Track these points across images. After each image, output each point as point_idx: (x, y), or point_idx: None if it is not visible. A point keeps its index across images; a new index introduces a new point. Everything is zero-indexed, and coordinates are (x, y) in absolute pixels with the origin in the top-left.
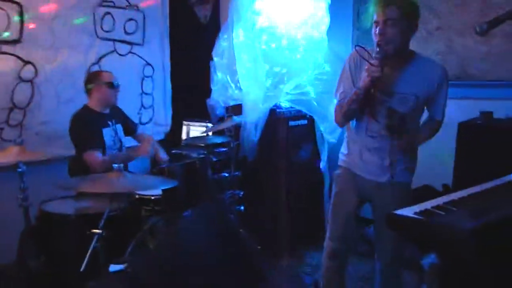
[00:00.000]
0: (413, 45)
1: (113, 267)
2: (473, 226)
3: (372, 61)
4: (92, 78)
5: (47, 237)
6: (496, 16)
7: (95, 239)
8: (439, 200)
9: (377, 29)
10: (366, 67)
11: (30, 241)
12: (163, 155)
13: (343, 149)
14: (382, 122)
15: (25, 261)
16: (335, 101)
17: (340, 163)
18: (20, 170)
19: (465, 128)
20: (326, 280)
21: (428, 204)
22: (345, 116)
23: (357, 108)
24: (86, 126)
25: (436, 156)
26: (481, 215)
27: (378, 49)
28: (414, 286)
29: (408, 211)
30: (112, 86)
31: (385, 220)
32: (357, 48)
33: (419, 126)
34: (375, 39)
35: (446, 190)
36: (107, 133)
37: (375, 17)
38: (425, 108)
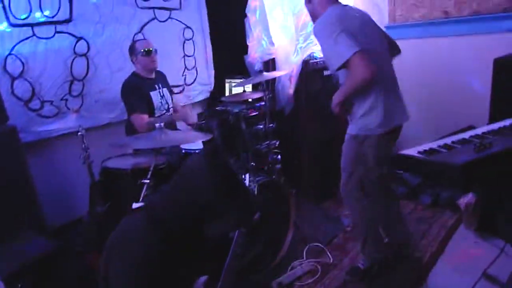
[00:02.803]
0: None
1: (134, 205)
2: (464, 161)
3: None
4: (130, 51)
5: (109, 188)
6: None
7: (145, 188)
8: (450, 138)
9: None
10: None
11: (97, 193)
12: (193, 119)
13: None
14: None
15: (94, 209)
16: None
17: None
18: (80, 133)
19: (501, 65)
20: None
21: (436, 143)
22: None
23: None
24: (134, 91)
25: (477, 95)
26: (481, 150)
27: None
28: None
29: (412, 151)
30: (147, 53)
31: (392, 160)
32: None
33: None
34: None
35: None
36: (155, 96)
37: None
38: None
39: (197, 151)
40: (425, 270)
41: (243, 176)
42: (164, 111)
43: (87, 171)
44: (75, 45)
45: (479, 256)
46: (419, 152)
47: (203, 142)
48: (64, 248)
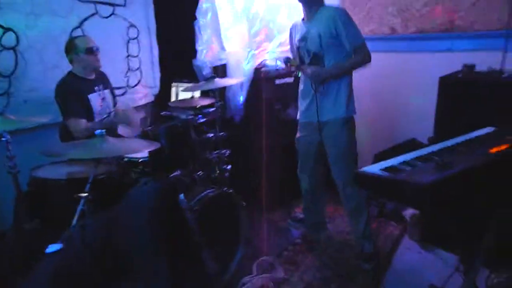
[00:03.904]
0: None
1: (50, 247)
2: (430, 181)
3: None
4: (68, 48)
5: (39, 201)
6: None
7: (81, 202)
8: (409, 155)
9: None
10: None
11: (24, 206)
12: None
13: None
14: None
15: (20, 224)
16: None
17: None
18: (4, 139)
19: (445, 82)
20: None
21: (396, 160)
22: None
23: None
24: (70, 94)
25: (421, 110)
26: (444, 169)
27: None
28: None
29: (375, 168)
30: (91, 51)
31: (353, 177)
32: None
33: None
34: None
35: (431, 143)
36: (94, 99)
37: None
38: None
39: (146, 190)
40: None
41: None
42: (106, 116)
43: (11, 181)
44: (1, 37)
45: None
46: (382, 170)
47: (150, 155)
48: None
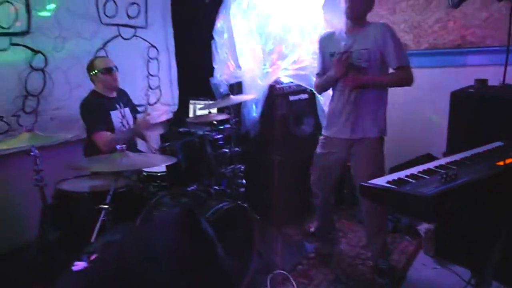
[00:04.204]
0: (412, 14)
1: (76, 266)
2: (433, 193)
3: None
4: (89, 68)
5: (63, 213)
6: None
7: (102, 214)
8: (416, 169)
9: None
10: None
11: (49, 217)
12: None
13: None
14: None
15: (45, 235)
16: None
17: None
18: (32, 154)
19: (457, 97)
20: None
21: (403, 173)
22: (322, 91)
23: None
24: (94, 110)
25: (436, 125)
26: (448, 182)
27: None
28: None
29: (381, 181)
30: (108, 71)
31: (359, 189)
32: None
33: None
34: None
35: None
36: (115, 116)
37: None
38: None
39: (170, 214)
40: None
41: None
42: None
43: (38, 193)
44: (31, 59)
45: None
46: (388, 182)
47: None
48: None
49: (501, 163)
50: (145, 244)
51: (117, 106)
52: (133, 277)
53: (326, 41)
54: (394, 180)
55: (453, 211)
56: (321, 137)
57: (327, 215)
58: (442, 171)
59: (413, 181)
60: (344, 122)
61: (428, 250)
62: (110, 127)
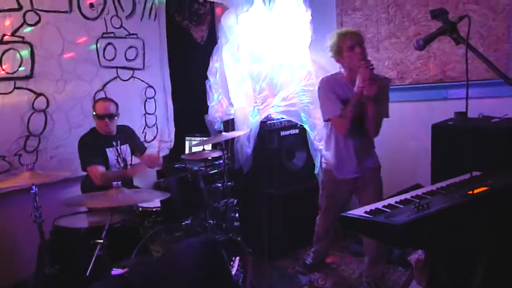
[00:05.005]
0: (395, 52)
1: (115, 271)
2: (404, 221)
3: (365, 66)
4: (92, 108)
5: (60, 248)
6: (429, 33)
7: (98, 248)
8: (393, 199)
9: (356, 50)
10: (361, 70)
11: (46, 253)
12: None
13: None
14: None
15: (42, 270)
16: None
17: None
18: (32, 191)
19: (437, 129)
20: None
21: (381, 203)
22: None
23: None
24: (89, 145)
25: (421, 156)
26: (420, 210)
27: (370, 67)
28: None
29: (360, 211)
30: (101, 118)
31: (339, 220)
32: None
33: None
34: (357, 61)
35: None
36: (110, 153)
37: (347, 43)
38: None
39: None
40: None
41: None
42: (120, 168)
43: (36, 230)
44: (33, 101)
45: None
46: (365, 212)
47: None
48: None
49: (474, 191)
50: (171, 262)
51: (114, 143)
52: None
53: (333, 83)
54: (371, 210)
55: (425, 238)
56: (324, 178)
57: (327, 245)
58: (417, 200)
59: (388, 210)
60: (355, 165)
61: (420, 280)
62: (105, 163)
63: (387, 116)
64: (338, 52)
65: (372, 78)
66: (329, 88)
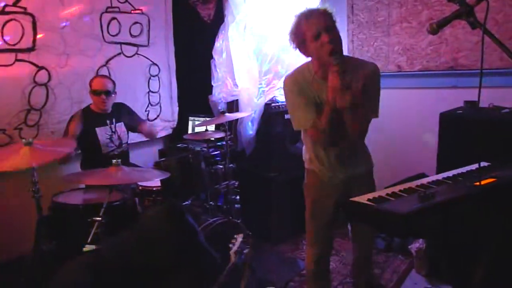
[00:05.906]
0: (405, 37)
1: (86, 247)
2: (407, 211)
3: (334, 71)
4: (88, 85)
5: (58, 224)
6: (444, 17)
7: (95, 226)
8: (397, 187)
9: (323, 38)
10: (330, 78)
11: (44, 229)
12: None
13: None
14: None
15: (39, 246)
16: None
17: None
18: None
19: (446, 118)
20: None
21: (385, 192)
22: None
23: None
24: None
25: (427, 145)
26: (425, 200)
27: (335, 57)
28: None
29: (363, 198)
30: (97, 93)
31: (342, 206)
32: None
33: None
34: (325, 55)
35: None
36: (101, 132)
37: (313, 30)
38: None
39: (158, 207)
40: None
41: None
42: (114, 147)
43: (34, 205)
44: (35, 74)
45: None
46: (369, 200)
47: (162, 184)
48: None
49: (480, 183)
50: (139, 232)
51: (108, 122)
52: (131, 261)
53: (300, 83)
54: (374, 197)
55: (429, 229)
56: (308, 181)
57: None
58: (421, 189)
59: (392, 199)
60: (340, 174)
61: (420, 269)
62: (96, 142)
63: (376, 116)
64: (301, 42)
65: (343, 86)
66: (297, 91)
